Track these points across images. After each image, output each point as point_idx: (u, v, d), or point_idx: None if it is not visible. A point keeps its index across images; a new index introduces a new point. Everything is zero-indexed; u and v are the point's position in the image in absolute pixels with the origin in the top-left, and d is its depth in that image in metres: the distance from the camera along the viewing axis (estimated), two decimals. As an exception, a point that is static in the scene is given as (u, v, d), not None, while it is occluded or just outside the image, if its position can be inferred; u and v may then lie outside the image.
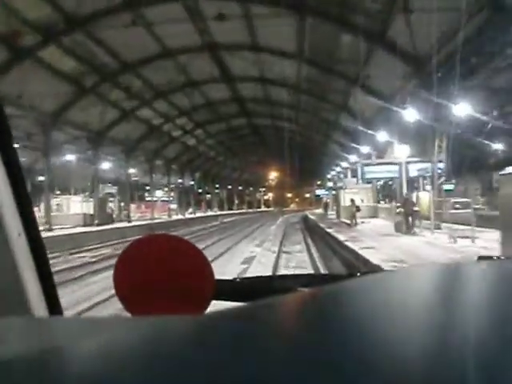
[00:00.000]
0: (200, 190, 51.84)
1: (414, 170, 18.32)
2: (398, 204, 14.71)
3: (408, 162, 18.00)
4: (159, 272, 0.68)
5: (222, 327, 0.34)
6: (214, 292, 0.69)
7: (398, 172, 18.76)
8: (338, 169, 36.58)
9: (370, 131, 19.65)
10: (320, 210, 46.23)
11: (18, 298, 0.75)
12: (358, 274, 0.78)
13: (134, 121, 24.52)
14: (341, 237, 13.00)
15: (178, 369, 0.26)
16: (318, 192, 43.05)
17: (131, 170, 30.67)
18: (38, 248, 0.80)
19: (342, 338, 0.29)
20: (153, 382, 0.25)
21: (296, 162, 43.56)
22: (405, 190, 17.08)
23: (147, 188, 35.63)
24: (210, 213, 46.26)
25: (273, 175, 72.14)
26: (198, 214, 42.56)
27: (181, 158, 37.31)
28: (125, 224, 24.22)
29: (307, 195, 79.83)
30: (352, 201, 18.31)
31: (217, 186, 56.64)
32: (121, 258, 0.70)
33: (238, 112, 33.11)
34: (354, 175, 26.50)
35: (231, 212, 54.44)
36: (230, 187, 62.79)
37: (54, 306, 0.82)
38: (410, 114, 14.40)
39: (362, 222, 17.86)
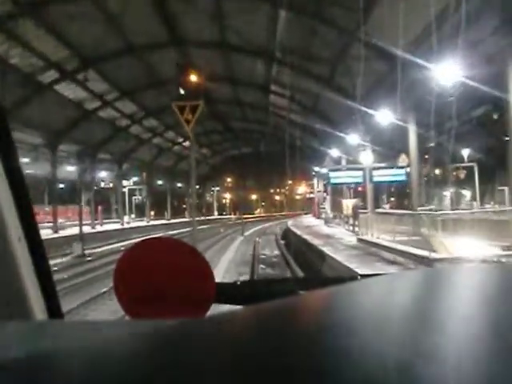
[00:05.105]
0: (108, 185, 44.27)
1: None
2: None
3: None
4: (160, 275, 0.84)
5: (223, 330, 0.41)
6: (214, 295, 0.87)
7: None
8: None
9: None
10: (311, 219, 38.83)
11: (18, 302, 0.93)
12: (359, 277, 0.95)
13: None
14: None
15: (179, 373, 0.31)
16: (335, 177, 22.66)
17: None
18: (38, 252, 0.99)
19: (343, 342, 0.35)
20: None
21: (265, 162, 42.79)
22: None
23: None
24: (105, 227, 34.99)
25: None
26: (58, 234, 28.36)
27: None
28: None
29: (277, 197, 79.79)
30: None
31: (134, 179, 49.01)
32: (121, 261, 0.87)
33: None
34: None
35: (146, 225, 42.87)
36: (160, 183, 55.77)
37: (54, 309, 1.01)
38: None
39: None
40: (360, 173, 20.98)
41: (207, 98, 38.57)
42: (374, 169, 20.72)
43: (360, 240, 18.05)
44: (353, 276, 1.06)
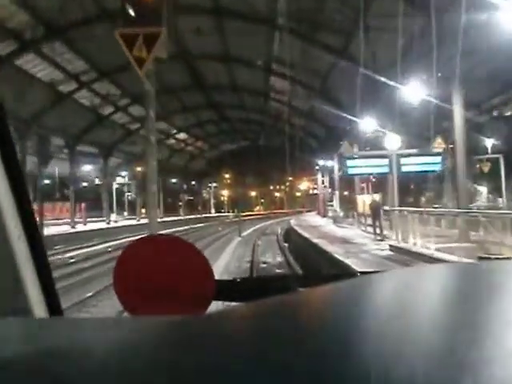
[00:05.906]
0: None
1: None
2: None
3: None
4: (159, 272, 0.85)
5: (223, 327, 0.41)
6: (214, 292, 0.88)
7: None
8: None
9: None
10: (316, 217, 36.50)
11: (18, 300, 0.94)
12: (358, 274, 1.00)
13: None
14: None
15: (179, 369, 0.31)
16: (353, 167, 18.00)
17: None
18: (38, 250, 1.00)
19: (342, 338, 0.36)
20: (153, 382, 0.30)
21: (264, 157, 39.31)
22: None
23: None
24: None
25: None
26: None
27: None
28: None
29: (277, 194, 78.55)
30: None
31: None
32: (121, 259, 0.88)
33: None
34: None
35: (135, 223, 37.83)
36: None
37: (54, 307, 1.02)
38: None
39: None
40: (385, 161, 16.57)
41: (200, 85, 34.97)
42: (402, 156, 16.41)
43: (394, 248, 13.23)
44: (352, 273, 1.16)
